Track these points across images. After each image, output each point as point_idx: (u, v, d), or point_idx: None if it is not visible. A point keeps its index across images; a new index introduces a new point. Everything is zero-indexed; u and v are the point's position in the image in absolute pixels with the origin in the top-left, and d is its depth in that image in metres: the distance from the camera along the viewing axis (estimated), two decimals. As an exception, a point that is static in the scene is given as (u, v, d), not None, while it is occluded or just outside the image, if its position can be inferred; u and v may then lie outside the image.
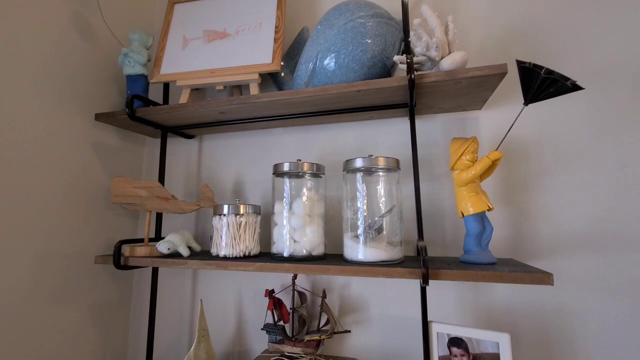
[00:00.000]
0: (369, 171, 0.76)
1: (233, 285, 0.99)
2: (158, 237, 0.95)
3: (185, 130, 1.02)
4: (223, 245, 0.80)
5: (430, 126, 0.89)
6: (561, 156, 0.79)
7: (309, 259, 0.75)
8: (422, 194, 0.85)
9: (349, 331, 0.81)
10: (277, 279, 0.96)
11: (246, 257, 0.79)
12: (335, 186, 0.93)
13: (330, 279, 0.91)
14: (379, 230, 0.72)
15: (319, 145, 0.98)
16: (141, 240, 0.88)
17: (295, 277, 0.88)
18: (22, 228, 0.78)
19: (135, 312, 1.07)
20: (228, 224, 0.80)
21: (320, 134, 0.98)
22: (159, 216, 0.97)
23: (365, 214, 0.73)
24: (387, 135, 0.92)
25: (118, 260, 0.79)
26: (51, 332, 0.82)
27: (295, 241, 0.76)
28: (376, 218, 0.73)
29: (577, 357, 0.74)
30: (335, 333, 0.80)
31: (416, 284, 0.84)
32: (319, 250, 0.77)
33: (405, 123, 0.91)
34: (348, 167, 0.76)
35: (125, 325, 1.05)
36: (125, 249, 0.83)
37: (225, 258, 0.78)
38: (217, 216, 0.82)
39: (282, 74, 0.98)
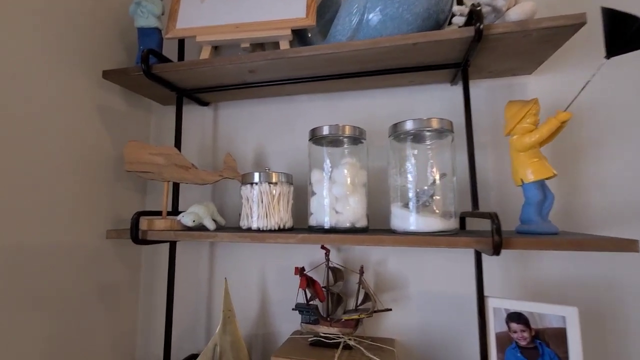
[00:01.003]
0: (418, 135, 0.70)
1: (255, 263, 0.92)
2: (175, 212, 0.86)
3: (203, 95, 0.92)
4: (254, 217, 0.72)
5: (473, 93, 0.83)
6: (616, 124, 0.75)
7: (352, 231, 0.68)
8: (462, 165, 0.79)
9: (390, 309, 0.76)
10: (305, 256, 0.89)
11: (281, 230, 0.72)
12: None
13: (364, 255, 0.85)
14: (432, 198, 0.66)
15: (349, 115, 0.90)
16: (157, 214, 0.79)
17: (328, 252, 0.82)
18: (19, 198, 0.68)
19: (145, 293, 0.98)
20: (261, 193, 0.72)
21: (351, 102, 0.91)
22: (175, 189, 0.88)
23: (416, 181, 0.67)
24: (426, 103, 0.86)
25: (136, 233, 0.71)
26: (52, 318, 0.73)
27: (337, 212, 0.70)
28: (425, 187, 0.67)
29: (630, 332, 0.71)
30: (375, 312, 0.75)
31: (461, 257, 0.79)
32: (362, 223, 0.70)
33: (446, 90, 0.84)
34: (397, 130, 0.69)
35: (134, 308, 0.96)
36: (143, 222, 0.74)
37: (258, 230, 0.71)
38: (248, 185, 0.74)
39: (310, 35, 0.90)
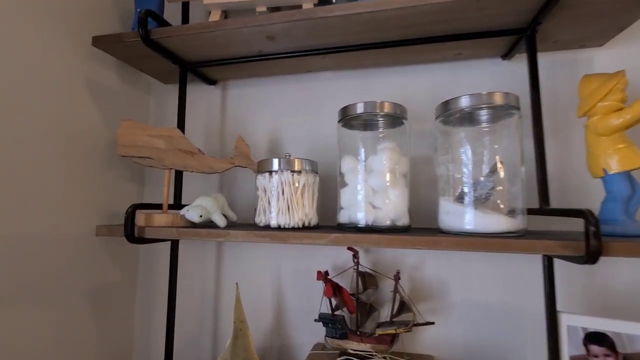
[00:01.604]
0: (474, 115, 0.57)
1: (268, 265, 0.80)
2: (178, 206, 0.74)
3: (210, 70, 0.80)
4: (273, 213, 0.60)
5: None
6: None
7: (393, 231, 0.56)
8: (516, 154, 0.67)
9: (433, 323, 0.64)
10: (326, 258, 0.77)
11: (306, 228, 0.60)
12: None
13: (395, 258, 0.73)
14: (492, 191, 0.54)
15: (380, 96, 0.78)
16: (157, 207, 0.67)
17: (356, 254, 0.70)
18: (-7, 184, 0.55)
19: (142, 299, 0.86)
20: (282, 183, 0.60)
21: (382, 81, 0.78)
22: (178, 178, 0.76)
23: (473, 171, 0.55)
24: (472, 81, 0.73)
25: (131, 230, 0.58)
26: (36, 326, 0.61)
27: (374, 207, 0.58)
28: (482, 178, 0.55)
29: None
30: (416, 325, 0.63)
31: (517, 263, 0.67)
32: (404, 220, 0.58)
33: (497, 66, 0.72)
34: (448, 109, 0.57)
35: (129, 315, 0.84)
36: (140, 217, 0.62)
37: (279, 228, 0.59)
38: (265, 174, 0.62)
39: (334, 1, 0.77)
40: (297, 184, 0.60)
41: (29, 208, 0.60)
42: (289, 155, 0.64)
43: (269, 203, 0.61)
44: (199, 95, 0.88)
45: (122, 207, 0.81)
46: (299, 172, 0.61)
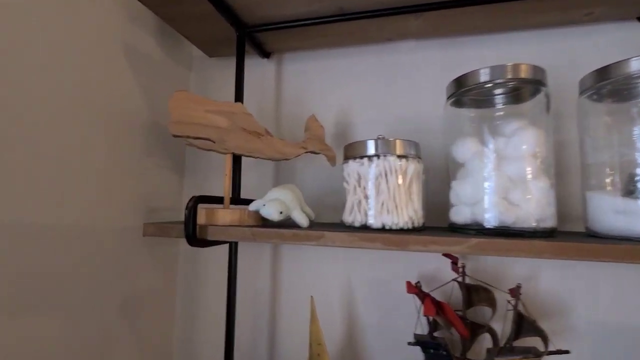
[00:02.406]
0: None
1: (336, 273, 0.67)
2: (235, 201, 0.60)
3: (269, 37, 0.66)
4: (372, 210, 0.47)
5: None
6: None
7: (537, 235, 0.43)
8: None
9: (568, 352, 0.50)
10: (408, 265, 0.64)
11: (415, 230, 0.47)
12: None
13: (500, 267, 0.60)
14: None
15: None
16: (217, 201, 0.53)
17: (456, 261, 0.57)
18: (16, 176, 0.42)
19: (183, 308, 0.73)
20: (385, 172, 0.46)
21: (481, 51, 0.64)
22: (236, 165, 0.62)
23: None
24: (599, 50, 0.59)
25: (193, 230, 0.45)
26: (62, 332, 0.48)
27: (510, 204, 0.44)
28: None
29: None
30: (550, 354, 0.50)
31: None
32: (551, 222, 0.44)
33: (630, 30, 0.58)
34: (608, 77, 0.43)
35: (168, 329, 0.71)
36: (201, 214, 0.48)
37: (383, 230, 0.45)
38: (360, 160, 0.48)
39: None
40: (404, 172, 0.47)
41: (53, 201, 0.47)
42: (382, 136, 0.50)
43: (366, 197, 0.47)
44: (250, 70, 0.75)
45: (161, 201, 0.68)
46: (405, 157, 0.47)
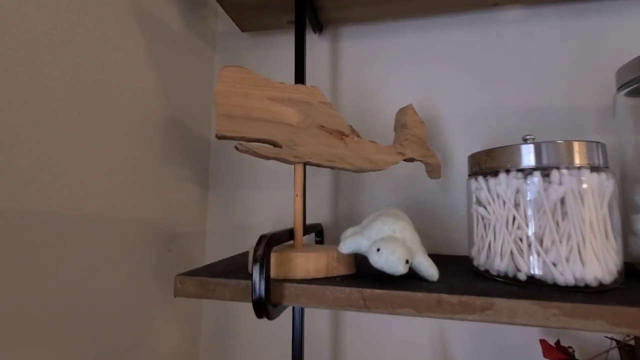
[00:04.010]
0: None
1: (420, 328, 0.49)
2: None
3: (330, 2, 0.48)
4: (535, 255, 0.29)
5: None
6: None
7: None
8: None
9: None
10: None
11: (608, 291, 0.29)
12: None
13: None
14: None
15: (607, 46, 0.48)
16: (286, 238, 0.35)
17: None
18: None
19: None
20: (570, 193, 0.29)
21: (613, 20, 0.48)
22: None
23: None
24: None
25: (267, 291, 0.27)
26: None
27: None
28: None
29: None
30: None
31: None
32: None
33: None
34: None
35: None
36: (273, 262, 0.30)
37: (576, 289, 0.28)
38: (510, 174, 0.31)
39: None
40: (602, 195, 0.29)
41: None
42: (533, 138, 0.33)
43: (526, 236, 0.30)
44: (293, 50, 0.57)
45: (182, 224, 0.49)
46: (595, 169, 0.30)
